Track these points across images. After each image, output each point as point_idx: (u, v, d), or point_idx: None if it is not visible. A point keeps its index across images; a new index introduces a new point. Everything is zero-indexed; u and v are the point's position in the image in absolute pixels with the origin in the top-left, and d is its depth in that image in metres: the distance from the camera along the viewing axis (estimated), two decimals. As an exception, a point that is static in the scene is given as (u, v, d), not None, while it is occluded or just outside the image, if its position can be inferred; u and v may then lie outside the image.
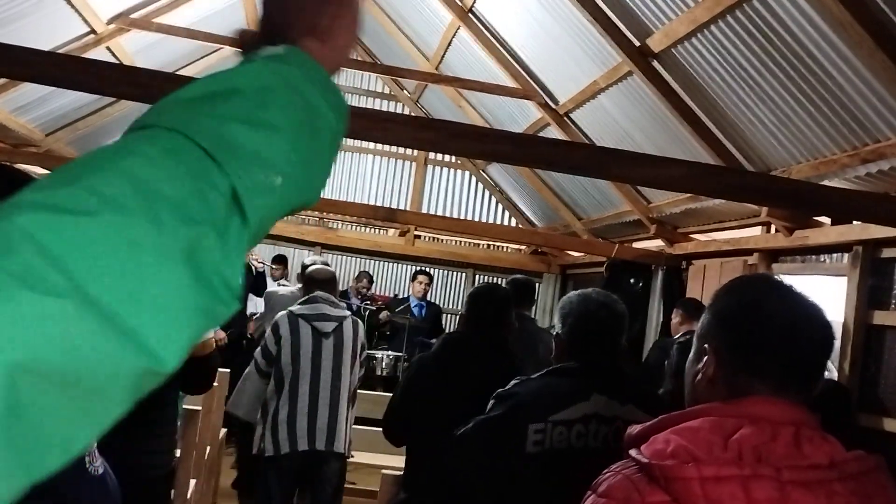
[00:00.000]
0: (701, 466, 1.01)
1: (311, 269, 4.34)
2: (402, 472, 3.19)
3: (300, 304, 4.04)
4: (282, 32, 0.69)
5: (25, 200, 0.47)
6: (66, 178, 0.49)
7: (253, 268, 7.12)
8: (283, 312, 4.00)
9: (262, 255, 7.61)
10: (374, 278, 9.00)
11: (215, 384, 3.89)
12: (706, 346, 1.18)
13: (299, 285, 5.07)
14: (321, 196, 0.66)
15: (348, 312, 4.12)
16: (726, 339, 1.16)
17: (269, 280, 7.39)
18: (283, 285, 7.09)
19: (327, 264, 4.93)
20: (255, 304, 7.15)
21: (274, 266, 7.66)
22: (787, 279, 4.89)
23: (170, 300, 0.49)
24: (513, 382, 2.18)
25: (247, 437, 4.92)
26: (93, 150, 0.54)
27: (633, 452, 1.10)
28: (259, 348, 4.05)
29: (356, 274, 8.39)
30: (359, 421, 4.60)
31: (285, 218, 0.67)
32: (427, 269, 8.34)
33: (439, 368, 2.89)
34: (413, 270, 8.39)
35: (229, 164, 0.55)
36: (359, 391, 4.32)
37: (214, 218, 0.53)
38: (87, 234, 0.47)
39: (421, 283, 7.63)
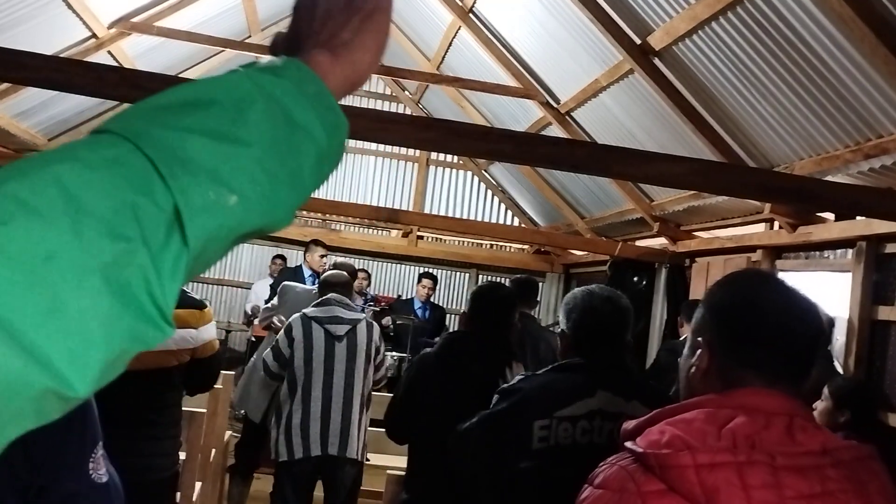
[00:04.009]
0: (696, 454, 1.02)
1: (326, 273, 4.32)
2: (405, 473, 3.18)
3: (314, 306, 4.02)
4: (300, 40, 0.65)
5: None
6: None
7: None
8: (297, 315, 3.97)
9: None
10: (377, 280, 8.99)
11: (219, 386, 3.89)
12: (700, 339, 1.20)
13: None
14: (293, 215, 0.59)
15: (362, 315, 4.10)
16: (720, 333, 1.18)
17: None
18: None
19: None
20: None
21: (275, 264, 7.97)
22: (791, 276, 4.86)
23: (83, 318, 0.45)
24: (517, 378, 2.18)
25: (249, 429, 4.83)
26: (44, 151, 0.50)
27: (628, 444, 1.11)
28: (269, 349, 4.02)
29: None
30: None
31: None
32: (432, 272, 8.33)
33: (441, 367, 2.88)
34: (416, 271, 8.36)
35: (175, 178, 0.50)
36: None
37: (147, 235, 0.48)
38: None
39: (425, 286, 7.65)
